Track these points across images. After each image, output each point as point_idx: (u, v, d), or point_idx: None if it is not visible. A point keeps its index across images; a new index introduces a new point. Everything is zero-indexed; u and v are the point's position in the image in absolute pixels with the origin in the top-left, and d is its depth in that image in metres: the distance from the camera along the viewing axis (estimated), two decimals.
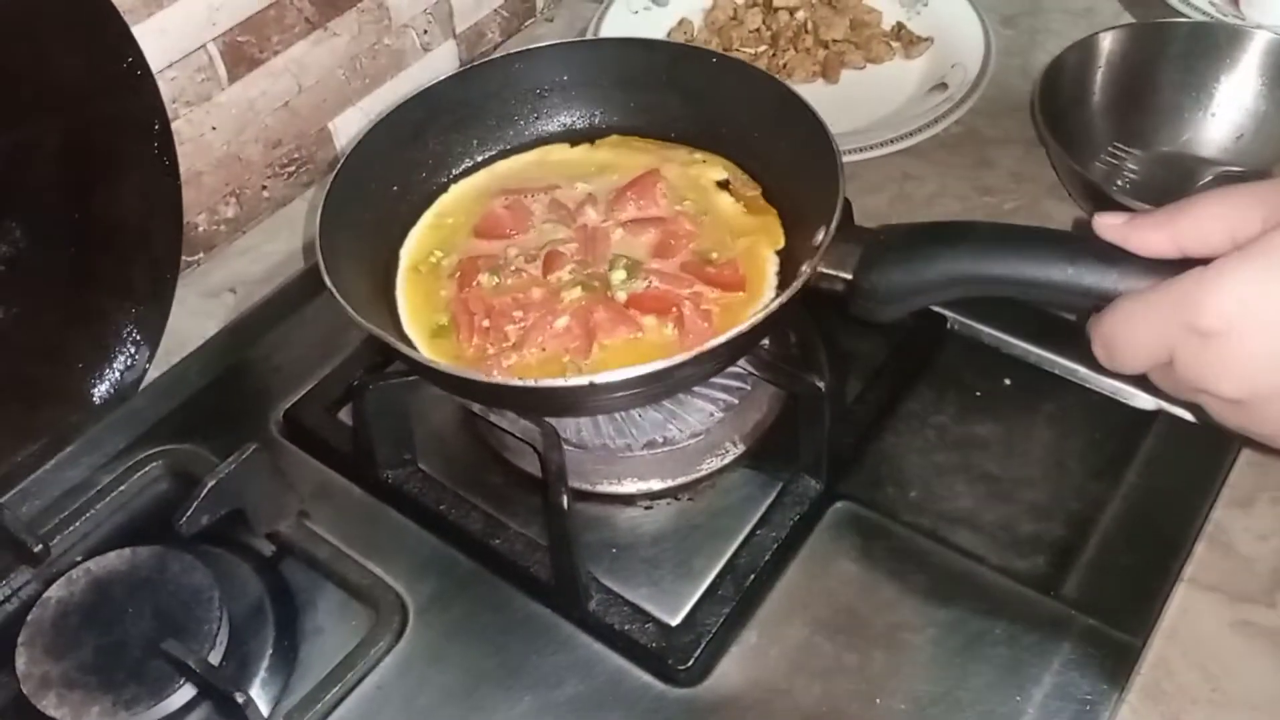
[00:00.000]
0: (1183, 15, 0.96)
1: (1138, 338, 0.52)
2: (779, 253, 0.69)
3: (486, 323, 0.64)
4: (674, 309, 0.64)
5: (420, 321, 0.67)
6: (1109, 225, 0.54)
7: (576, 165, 0.76)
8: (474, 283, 0.67)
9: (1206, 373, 0.50)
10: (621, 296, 0.65)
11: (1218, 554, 0.64)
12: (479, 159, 0.77)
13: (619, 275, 0.66)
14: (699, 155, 0.76)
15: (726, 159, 0.75)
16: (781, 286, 0.67)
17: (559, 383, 0.58)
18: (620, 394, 0.59)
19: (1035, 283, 0.55)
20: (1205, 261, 0.50)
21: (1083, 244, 0.55)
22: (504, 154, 0.77)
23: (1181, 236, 0.52)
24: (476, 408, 0.64)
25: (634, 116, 0.77)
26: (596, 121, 0.78)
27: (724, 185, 0.74)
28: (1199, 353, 0.49)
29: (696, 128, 0.76)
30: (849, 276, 0.59)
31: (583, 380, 0.56)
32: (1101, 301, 0.54)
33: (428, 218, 0.73)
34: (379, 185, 0.71)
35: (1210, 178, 0.83)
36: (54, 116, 0.67)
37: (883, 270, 0.59)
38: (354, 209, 0.68)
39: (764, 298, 0.66)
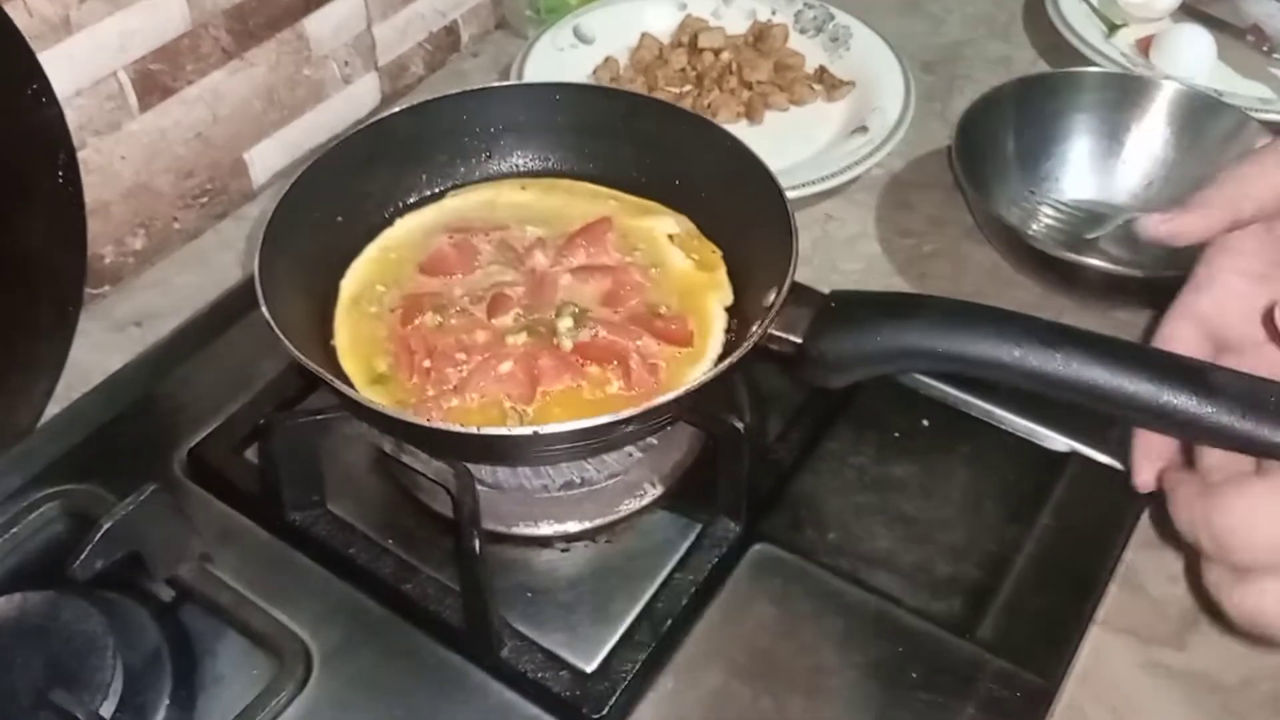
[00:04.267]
0: (1096, 65, 0.98)
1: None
2: (728, 309, 0.69)
3: (428, 363, 0.63)
4: (620, 361, 0.63)
5: (358, 360, 0.65)
6: (1155, 227, 0.56)
7: (527, 208, 0.75)
8: (417, 321, 0.65)
9: None
10: (567, 345, 0.64)
11: (1129, 596, 0.65)
12: (427, 194, 0.75)
13: (566, 323, 0.65)
14: (651, 206, 0.75)
15: (678, 212, 0.74)
16: (730, 343, 0.67)
17: (502, 431, 0.57)
18: (563, 445, 0.58)
19: (984, 362, 0.55)
20: None
21: (1029, 325, 0.55)
22: (454, 189, 0.76)
23: (1235, 209, 0.54)
24: (389, 447, 0.62)
25: (588, 163, 0.77)
26: (550, 165, 0.77)
27: (673, 239, 0.73)
28: None
29: (650, 179, 0.75)
30: (799, 340, 0.59)
31: (526, 430, 0.55)
32: (1045, 384, 0.54)
33: (371, 250, 0.71)
34: (323, 214, 0.69)
35: (1121, 222, 0.85)
36: None
37: (833, 337, 0.59)
38: (296, 238, 0.65)
39: (710, 354, 0.66)
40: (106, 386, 0.74)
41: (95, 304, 0.82)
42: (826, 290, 0.62)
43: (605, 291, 0.68)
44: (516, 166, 0.77)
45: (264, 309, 0.59)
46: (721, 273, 0.71)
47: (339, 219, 0.71)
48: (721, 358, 0.66)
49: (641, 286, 0.69)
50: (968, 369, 0.57)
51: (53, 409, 0.73)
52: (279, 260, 0.63)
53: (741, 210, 0.70)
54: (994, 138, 0.88)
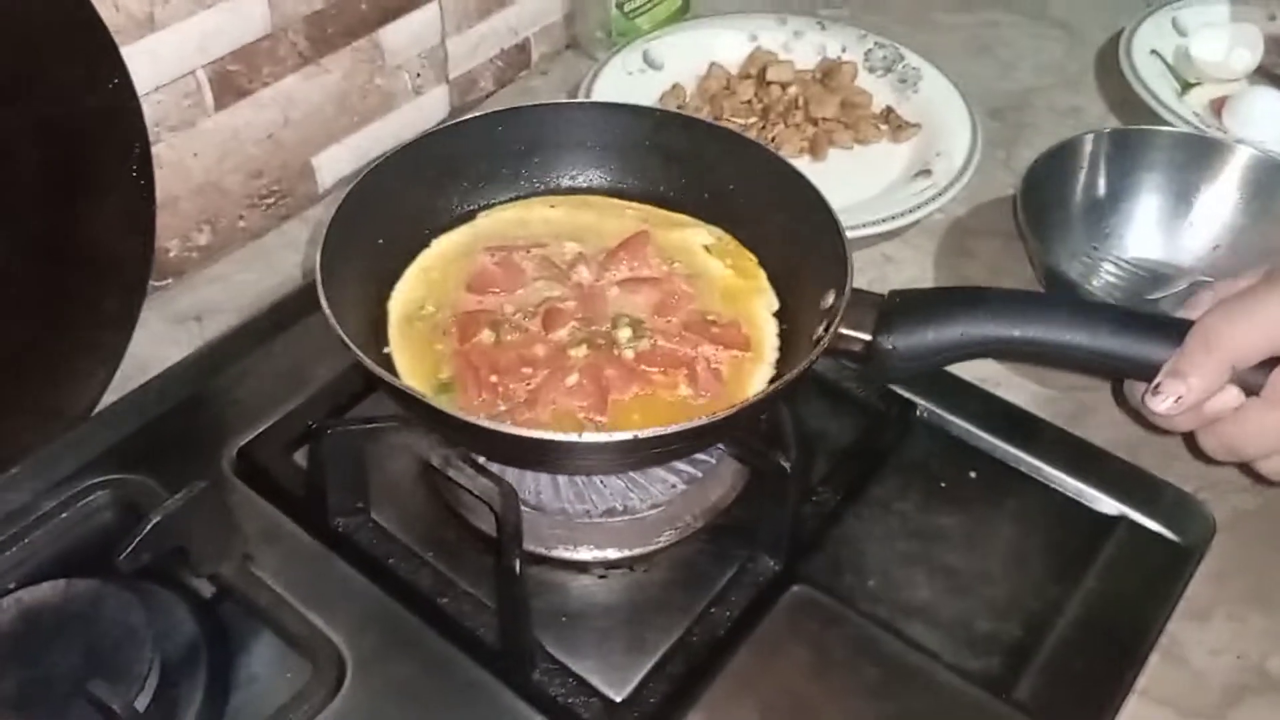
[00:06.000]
0: (1167, 122, 0.97)
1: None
2: (776, 314, 0.70)
3: (494, 378, 0.63)
4: (686, 367, 0.64)
5: (420, 371, 0.65)
6: (1165, 410, 0.58)
7: (559, 225, 0.75)
8: (474, 339, 0.66)
9: None
10: (629, 355, 0.65)
11: (1171, 667, 0.64)
12: (459, 213, 0.76)
13: (625, 333, 0.66)
14: (682, 219, 0.76)
15: (711, 224, 0.75)
16: (783, 348, 0.68)
17: (600, 438, 0.57)
18: (653, 450, 0.58)
19: (1051, 346, 0.60)
20: None
21: (1098, 310, 0.60)
22: (484, 209, 0.76)
23: (1235, 366, 0.57)
24: (436, 460, 0.62)
25: (618, 179, 0.77)
26: (578, 182, 0.78)
27: (709, 249, 0.74)
28: None
29: (679, 193, 0.76)
30: (867, 337, 0.61)
31: (626, 435, 0.56)
32: (1115, 366, 0.59)
33: (413, 270, 0.72)
34: (368, 237, 0.69)
35: (1185, 285, 0.84)
36: (36, 130, 0.66)
37: (901, 331, 0.61)
38: (345, 259, 0.65)
39: (768, 357, 0.67)
40: (163, 379, 0.75)
41: (157, 296, 0.83)
42: None
43: (655, 302, 0.69)
44: (546, 184, 0.78)
45: (328, 314, 0.60)
46: (763, 279, 0.72)
47: (380, 241, 0.71)
48: (780, 360, 0.67)
49: (689, 295, 0.70)
50: (1035, 354, 0.62)
51: (109, 398, 0.75)
52: (334, 273, 0.63)
53: (779, 217, 0.71)
54: (1061, 189, 0.88)
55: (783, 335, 0.69)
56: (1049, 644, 0.63)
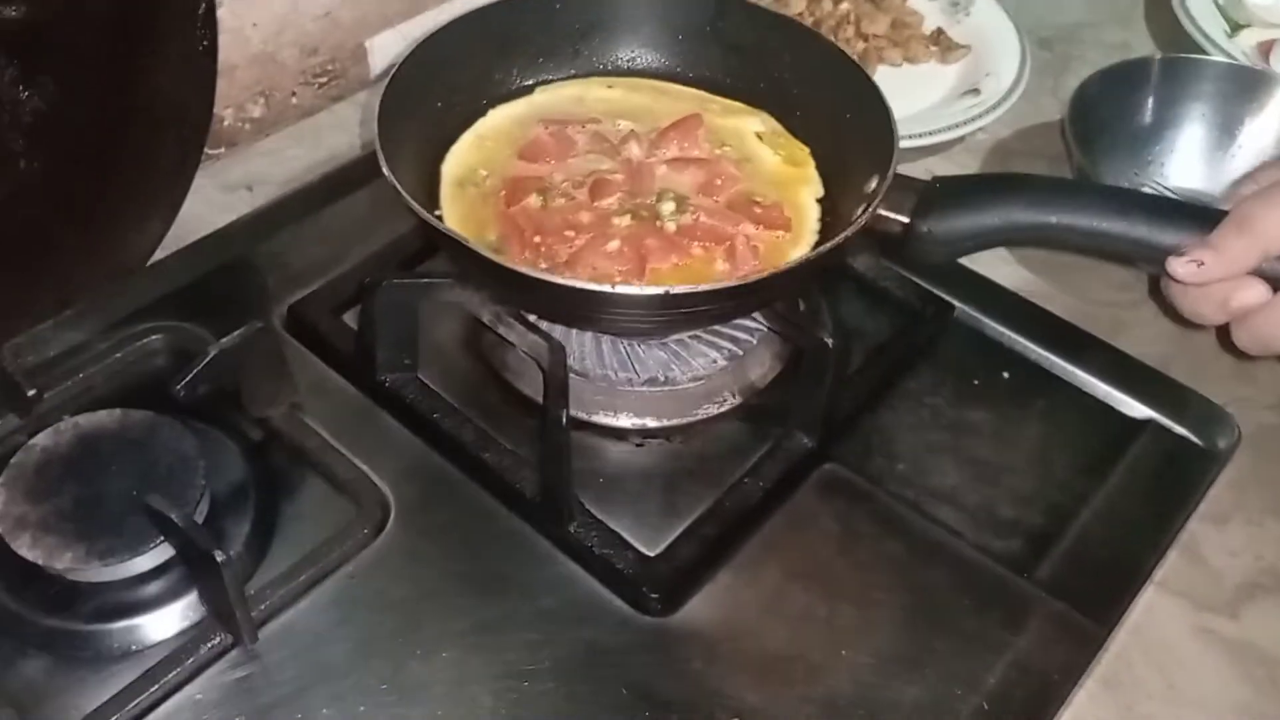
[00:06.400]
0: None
1: None
2: (819, 201, 0.71)
3: (538, 239, 0.64)
4: (726, 242, 0.65)
5: (469, 232, 0.66)
6: (1180, 269, 0.58)
7: (615, 104, 0.76)
8: (521, 202, 0.67)
9: None
10: (671, 227, 0.66)
11: (1188, 563, 0.65)
12: (516, 86, 0.77)
13: (668, 207, 0.67)
14: (736, 106, 0.77)
15: (764, 111, 0.76)
16: (824, 231, 0.69)
17: (636, 290, 0.58)
18: (685, 310, 0.60)
19: (1087, 232, 0.60)
20: None
21: (1134, 197, 0.61)
22: (541, 84, 0.77)
23: (1265, 253, 0.57)
24: (486, 317, 0.64)
25: (674, 63, 0.78)
26: (636, 64, 0.79)
27: (760, 136, 0.75)
28: None
29: (735, 80, 0.77)
30: (905, 220, 0.62)
31: (658, 290, 0.57)
32: (1151, 254, 0.59)
33: (468, 137, 0.73)
34: (426, 99, 0.71)
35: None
36: None
37: (940, 215, 0.62)
38: (403, 119, 0.67)
39: (807, 241, 0.68)
40: (217, 237, 0.77)
41: (210, 164, 0.84)
42: None
43: (701, 182, 0.70)
44: (604, 65, 0.79)
45: (384, 164, 0.61)
46: (811, 168, 0.73)
47: (438, 104, 0.72)
48: (818, 245, 0.68)
49: (735, 178, 0.71)
50: (1073, 240, 0.61)
51: (162, 252, 0.76)
52: (391, 131, 0.65)
53: (829, 106, 0.72)
54: (1108, 113, 0.88)
55: (823, 222, 0.70)
56: (1071, 532, 0.65)
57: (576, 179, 0.69)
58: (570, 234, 0.65)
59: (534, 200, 0.67)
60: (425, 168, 0.70)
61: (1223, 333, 0.63)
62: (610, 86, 0.78)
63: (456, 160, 0.71)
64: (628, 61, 0.79)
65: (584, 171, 0.70)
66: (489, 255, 0.59)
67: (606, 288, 0.57)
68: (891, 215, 0.63)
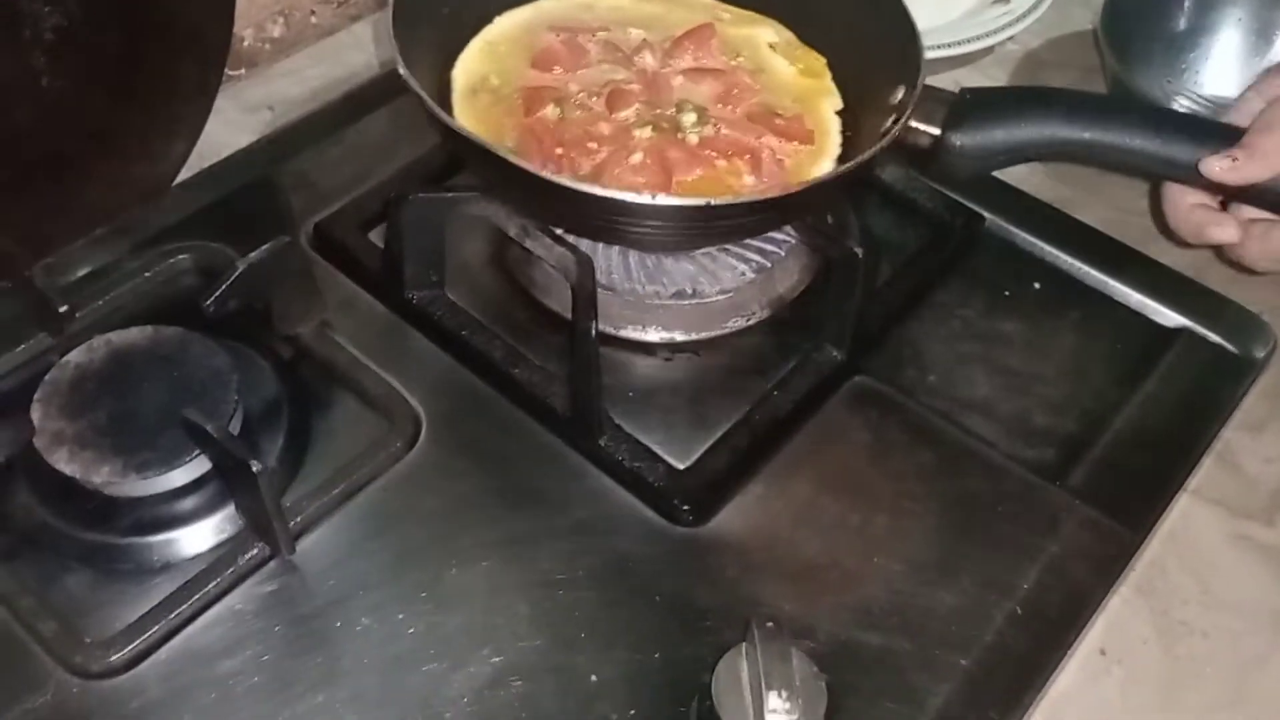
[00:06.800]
0: None
1: None
2: (839, 114, 0.69)
3: (559, 150, 0.63)
4: (750, 154, 0.64)
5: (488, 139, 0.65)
6: (1220, 170, 0.58)
7: (625, 11, 0.75)
8: (538, 113, 0.66)
9: None
10: (693, 139, 0.65)
11: (1224, 471, 0.65)
12: None
13: (690, 118, 0.66)
14: (748, 15, 0.76)
15: (776, 20, 0.75)
16: (846, 145, 0.68)
17: (678, 201, 0.57)
18: (722, 221, 0.59)
19: (1118, 149, 0.60)
20: None
21: (1166, 115, 0.61)
22: None
23: None
24: (513, 231, 0.63)
25: None
26: None
27: (774, 47, 0.73)
28: None
29: None
30: (936, 132, 0.61)
31: (699, 201, 0.56)
32: (1180, 171, 0.59)
33: (476, 43, 0.72)
34: (435, 5, 0.69)
35: None
36: None
37: (972, 128, 0.61)
38: (415, 26, 0.65)
39: (830, 153, 0.67)
40: (241, 156, 0.77)
41: (230, 85, 0.83)
42: None
43: (718, 93, 0.69)
44: None
45: (404, 72, 0.60)
46: (828, 79, 0.72)
47: (445, 10, 0.70)
48: (843, 157, 0.67)
49: (753, 89, 0.70)
50: (1104, 156, 0.61)
51: (186, 174, 0.76)
52: (407, 42, 0.63)
53: (848, 17, 0.71)
54: (1141, 22, 0.86)
55: (846, 135, 0.69)
56: (1104, 440, 0.65)
57: (592, 89, 0.68)
58: (592, 146, 0.64)
59: (551, 110, 0.66)
60: (437, 76, 0.69)
61: None
62: None
63: (465, 67, 0.70)
64: None
65: (599, 82, 0.69)
66: (514, 160, 0.58)
67: (645, 198, 0.56)
68: (922, 127, 0.62)
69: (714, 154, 0.65)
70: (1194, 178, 0.60)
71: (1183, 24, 0.88)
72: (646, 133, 0.65)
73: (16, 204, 0.68)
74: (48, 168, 0.69)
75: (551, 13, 0.74)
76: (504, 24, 0.73)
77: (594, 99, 0.67)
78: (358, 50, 0.89)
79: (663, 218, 0.58)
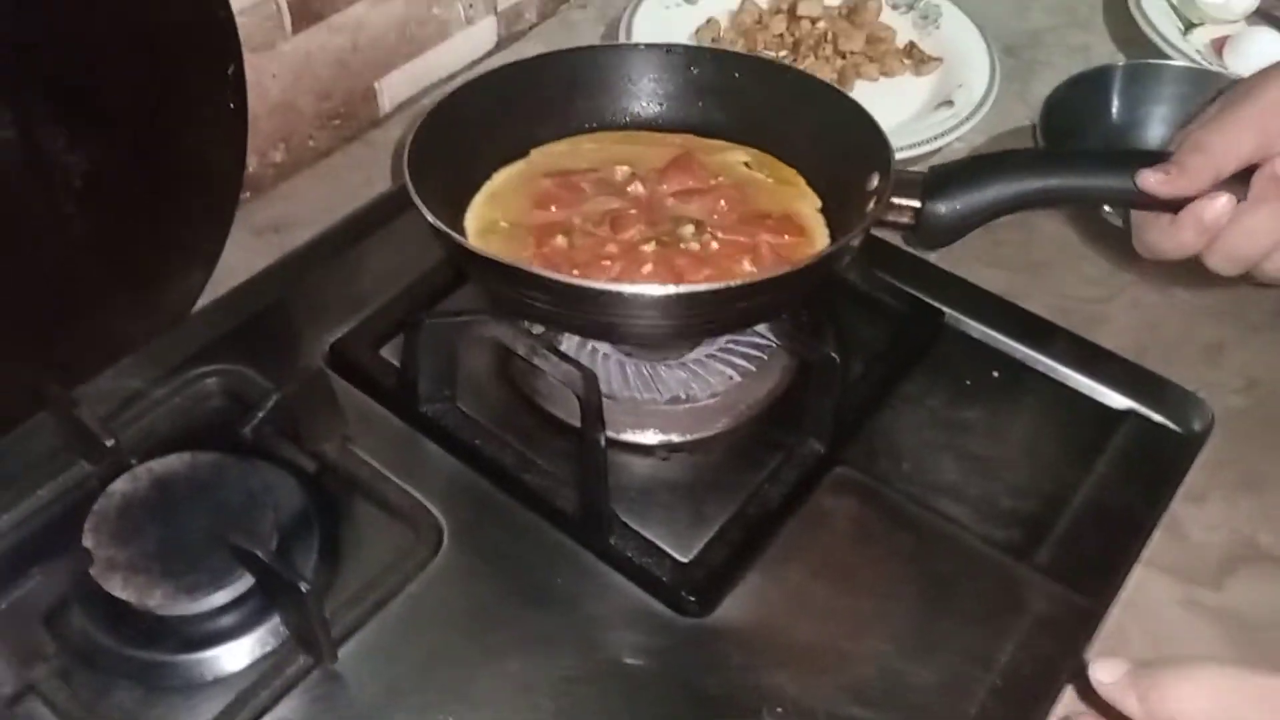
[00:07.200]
0: (1172, 60, 1.04)
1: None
2: (820, 211, 0.77)
3: (575, 271, 0.69)
4: (750, 252, 0.71)
5: None
6: (1154, 185, 0.66)
7: (607, 154, 0.81)
8: (550, 244, 0.72)
9: None
10: (695, 247, 0.71)
11: (1172, 541, 0.72)
12: (512, 150, 0.80)
13: (688, 230, 0.72)
14: (719, 144, 0.82)
15: (747, 145, 0.81)
16: (834, 234, 0.75)
17: (703, 287, 0.63)
18: (745, 303, 0.65)
19: (1078, 188, 0.69)
20: None
21: (1109, 151, 0.73)
22: (535, 145, 0.81)
23: (1219, 172, 0.65)
24: (521, 349, 0.69)
25: (656, 112, 0.83)
26: (619, 117, 0.83)
27: (748, 165, 0.80)
28: None
29: (715, 120, 0.82)
30: (917, 204, 0.69)
31: (720, 284, 0.63)
32: (1130, 195, 0.67)
33: (479, 199, 0.77)
34: (436, 169, 0.72)
35: None
36: (143, 46, 0.72)
37: (947, 196, 0.68)
38: (427, 186, 0.69)
39: (822, 243, 0.74)
40: (255, 283, 0.82)
41: (238, 210, 0.89)
42: None
43: (709, 207, 0.75)
44: (589, 122, 0.83)
45: (424, 212, 0.66)
46: (803, 184, 0.79)
47: (452, 170, 0.75)
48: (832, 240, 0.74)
49: (740, 199, 0.76)
50: (1067, 199, 0.72)
51: (205, 299, 0.81)
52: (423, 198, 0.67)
53: (812, 130, 0.78)
54: (1077, 118, 0.94)
55: (831, 226, 0.75)
56: (1065, 519, 0.71)
57: (595, 218, 0.74)
58: (607, 263, 0.70)
59: (561, 240, 0.72)
60: (453, 227, 0.71)
61: (1193, 322, 0.70)
62: (598, 140, 0.82)
63: (475, 215, 0.76)
64: (611, 115, 0.83)
65: (600, 211, 0.75)
66: (534, 270, 0.64)
67: (670, 289, 0.62)
68: (904, 203, 0.69)
69: (718, 256, 0.71)
70: (1141, 198, 0.67)
71: (1114, 121, 0.96)
72: (652, 247, 0.71)
73: (48, 338, 0.73)
74: (76, 302, 0.74)
75: (543, 163, 0.80)
76: (500, 179, 0.79)
77: (599, 227, 0.73)
78: (355, 169, 0.95)
79: (686, 305, 0.64)
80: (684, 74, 0.82)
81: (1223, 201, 0.65)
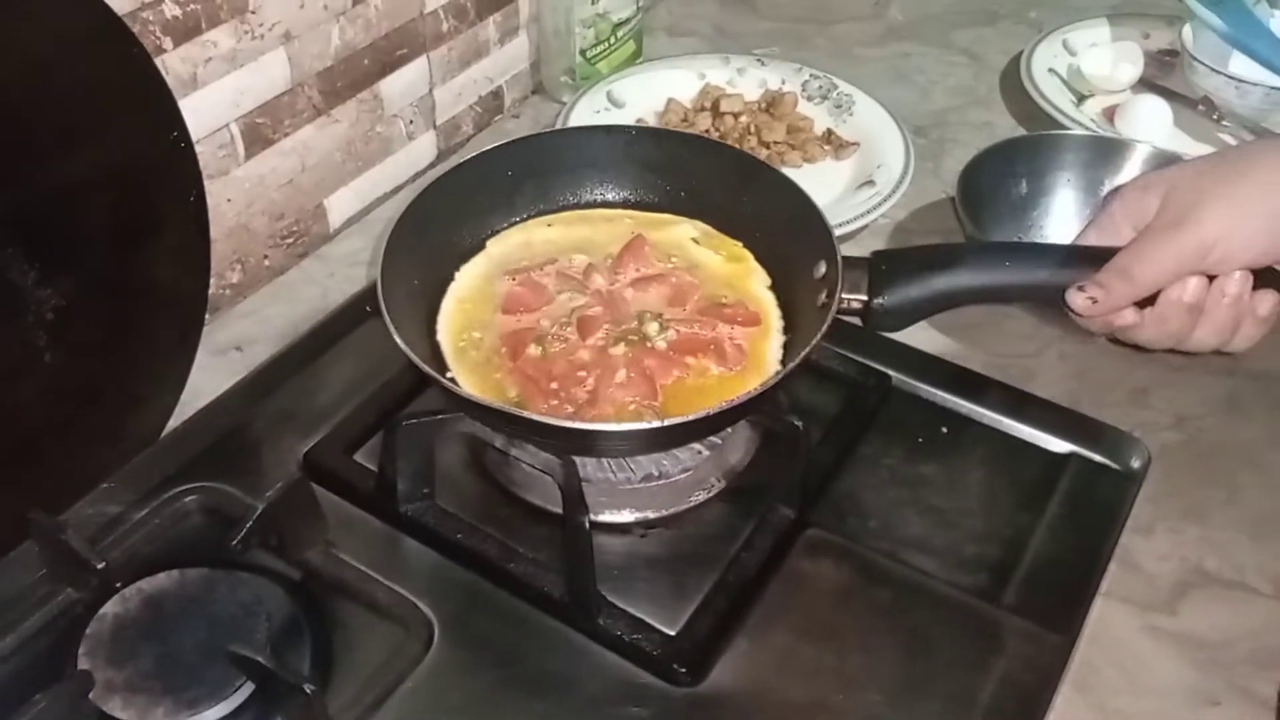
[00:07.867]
0: (1068, 129, 1.12)
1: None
2: (771, 290, 0.81)
3: (554, 385, 0.72)
4: (714, 346, 0.74)
5: (489, 396, 0.72)
6: (1081, 307, 0.71)
7: (561, 240, 0.85)
8: (523, 355, 0.74)
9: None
10: (662, 345, 0.75)
11: (1127, 572, 0.76)
12: (470, 245, 0.83)
13: (653, 327, 0.75)
14: (665, 218, 0.86)
15: (693, 219, 0.86)
16: (786, 316, 0.79)
17: (690, 417, 0.66)
18: (718, 423, 0.69)
19: (1020, 286, 0.74)
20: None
21: (1052, 251, 0.76)
22: (492, 235, 0.85)
23: (1138, 296, 0.71)
24: (499, 443, 0.71)
25: (602, 190, 0.88)
26: (568, 199, 0.87)
27: (697, 241, 0.85)
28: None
29: (658, 195, 0.87)
30: (865, 299, 0.72)
31: (702, 412, 0.66)
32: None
33: (448, 304, 0.79)
34: (405, 284, 0.76)
35: None
36: (108, 180, 0.74)
37: (892, 291, 0.73)
38: (396, 303, 0.72)
39: (775, 327, 0.78)
40: (223, 401, 0.83)
41: None
42: None
43: (667, 295, 0.79)
44: (540, 206, 0.87)
45: (401, 345, 0.69)
46: (751, 260, 0.83)
47: (415, 282, 0.78)
48: (786, 328, 0.78)
49: (694, 284, 0.80)
50: (1008, 297, 0.77)
51: (175, 421, 0.82)
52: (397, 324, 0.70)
53: (753, 206, 0.83)
54: (989, 189, 1.00)
55: (782, 307, 0.80)
56: (1026, 560, 0.75)
57: (561, 320, 0.77)
58: (582, 374, 0.73)
59: (534, 349, 0.75)
60: (429, 344, 0.77)
61: (1118, 368, 0.76)
62: (550, 225, 0.86)
63: (447, 329, 0.78)
64: (560, 198, 0.87)
65: (565, 311, 0.78)
66: (539, 418, 0.68)
67: (656, 424, 0.67)
68: (851, 298, 0.73)
69: (683, 354, 0.74)
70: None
71: (1024, 188, 1.03)
72: (621, 349, 0.74)
73: (26, 469, 0.73)
74: (51, 432, 0.75)
75: (500, 258, 0.83)
76: (463, 279, 0.81)
77: (567, 329, 0.76)
78: (308, 284, 0.97)
79: (670, 434, 0.68)
80: (624, 151, 0.87)
81: (1128, 316, 0.72)
